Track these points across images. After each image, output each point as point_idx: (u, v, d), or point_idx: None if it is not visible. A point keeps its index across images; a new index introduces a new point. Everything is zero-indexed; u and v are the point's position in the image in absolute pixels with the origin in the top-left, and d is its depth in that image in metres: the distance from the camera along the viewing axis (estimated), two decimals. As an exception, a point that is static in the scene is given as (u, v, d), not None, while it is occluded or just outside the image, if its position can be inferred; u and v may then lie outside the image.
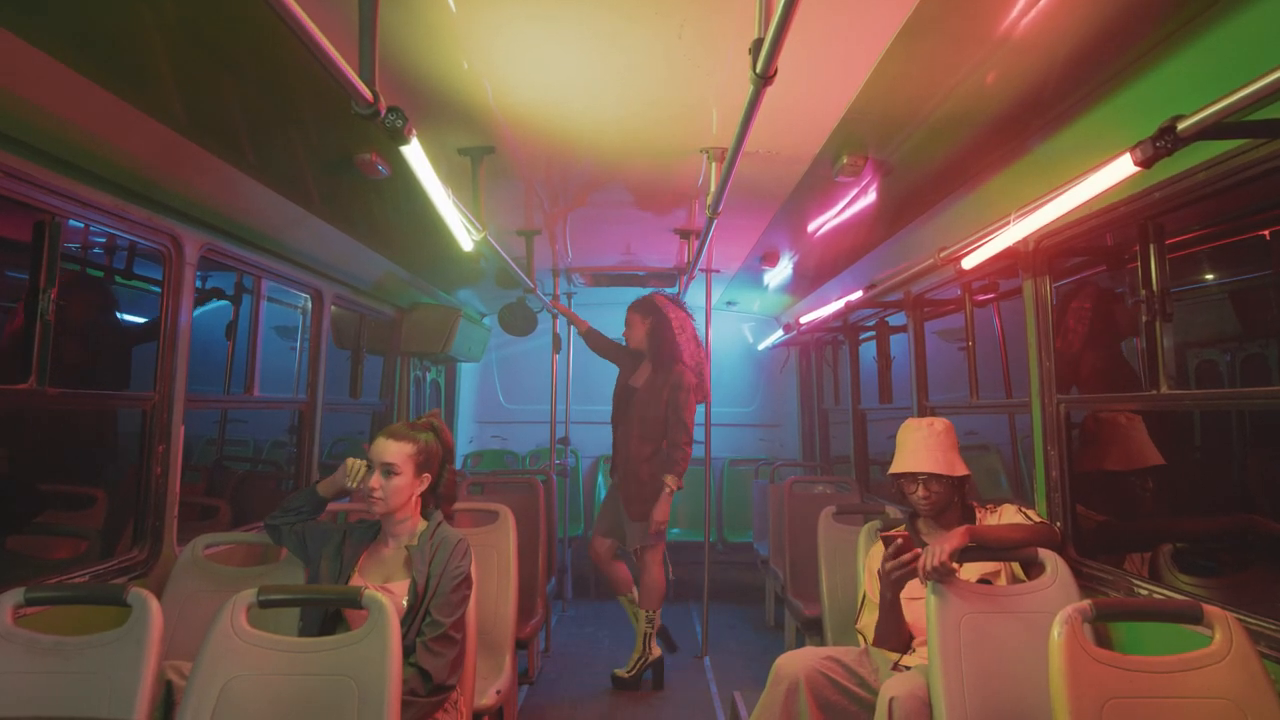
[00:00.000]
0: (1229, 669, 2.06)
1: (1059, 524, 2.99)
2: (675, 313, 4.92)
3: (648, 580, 4.85)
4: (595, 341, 5.40)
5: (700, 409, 5.59)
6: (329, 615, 2.60)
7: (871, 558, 3.13)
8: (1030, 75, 2.42)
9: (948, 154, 3.06)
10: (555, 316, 6.74)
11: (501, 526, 3.63)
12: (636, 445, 4.84)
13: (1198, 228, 2.91)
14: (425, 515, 2.76)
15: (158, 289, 3.06)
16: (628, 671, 4.80)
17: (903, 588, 2.82)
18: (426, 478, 2.70)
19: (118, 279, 3.97)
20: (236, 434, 6.61)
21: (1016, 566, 2.87)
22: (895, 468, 3.04)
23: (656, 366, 4.89)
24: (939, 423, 3.08)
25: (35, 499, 3.42)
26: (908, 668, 2.85)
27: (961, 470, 2.98)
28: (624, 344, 5.17)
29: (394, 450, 2.63)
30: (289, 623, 2.67)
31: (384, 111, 2.11)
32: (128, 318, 3.98)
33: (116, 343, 3.73)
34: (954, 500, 3.02)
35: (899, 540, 2.71)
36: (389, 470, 2.61)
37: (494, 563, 3.54)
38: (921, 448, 3.00)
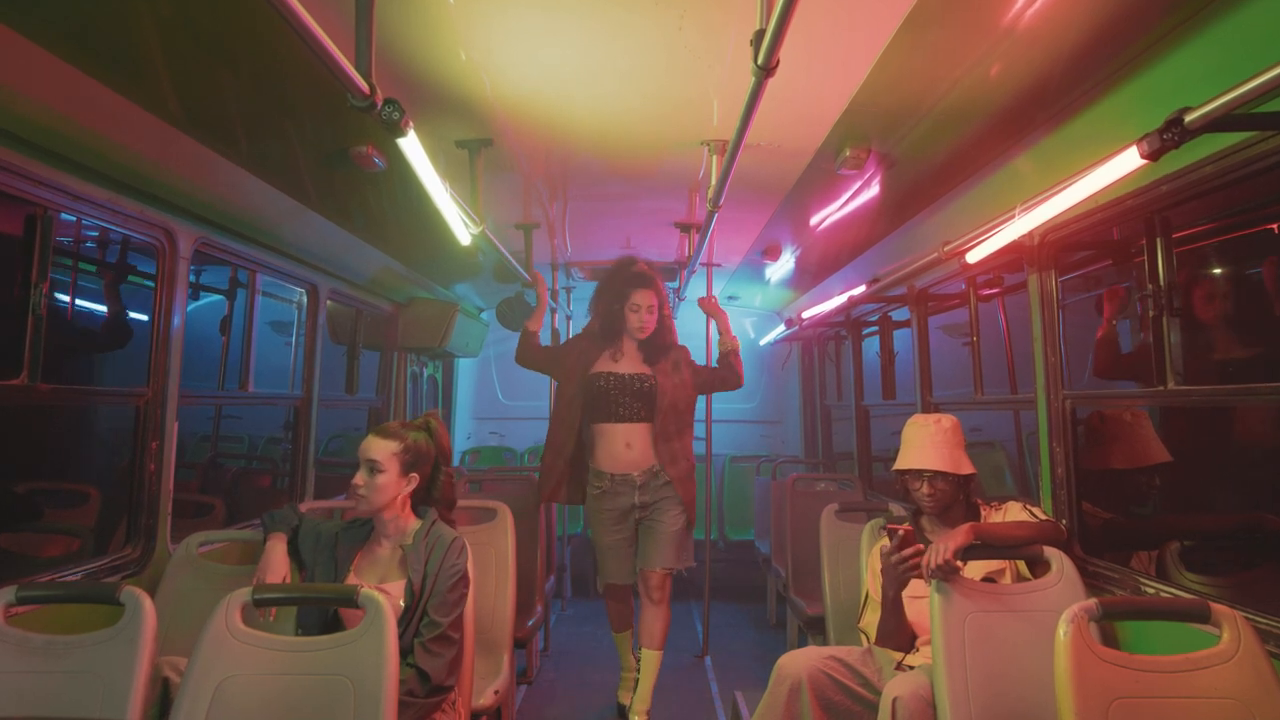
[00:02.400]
0: (1237, 668, 2.05)
1: (1065, 521, 2.97)
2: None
3: (665, 615, 4.19)
4: (528, 344, 4.43)
5: (701, 404, 5.56)
6: (329, 619, 2.58)
7: (874, 556, 3.11)
8: (1035, 67, 2.39)
9: (952, 147, 3.02)
10: (554, 310, 6.70)
11: (500, 524, 3.60)
12: (679, 444, 4.11)
13: (1205, 221, 2.87)
14: (419, 514, 2.73)
15: (151, 283, 3.03)
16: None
17: (906, 585, 2.79)
18: (415, 478, 2.67)
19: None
20: (231, 430, 6.59)
21: (1022, 564, 2.84)
22: (900, 464, 3.01)
23: (659, 351, 4.18)
24: (946, 419, 3.05)
25: (26, 496, 3.40)
26: (911, 667, 2.83)
27: (968, 469, 2.95)
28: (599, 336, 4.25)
29: (379, 448, 2.61)
30: (288, 629, 2.65)
31: (380, 104, 2.08)
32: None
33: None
34: (958, 498, 2.98)
35: (901, 532, 2.69)
36: (373, 468, 2.59)
37: (492, 561, 3.51)
38: (928, 444, 2.97)
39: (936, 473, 2.94)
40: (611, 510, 4.09)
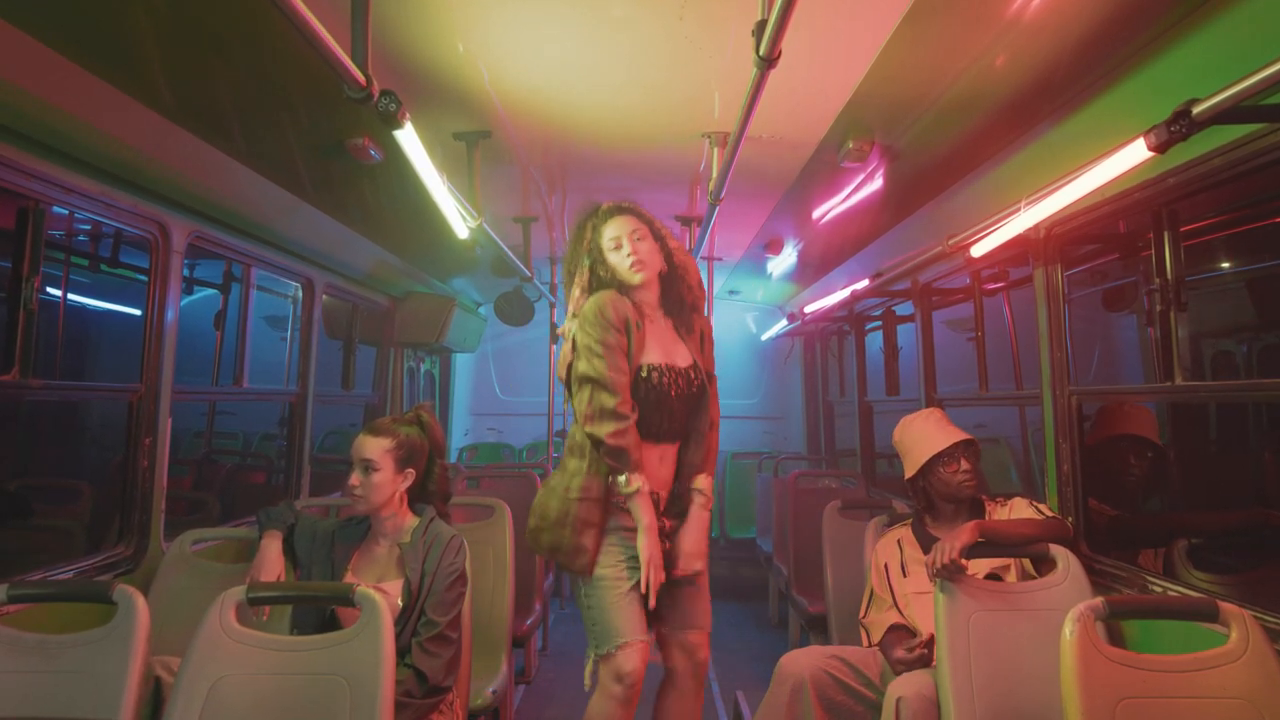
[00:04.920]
0: (1245, 668, 2.02)
1: (1071, 519, 2.94)
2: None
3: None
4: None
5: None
6: (325, 618, 2.55)
7: (878, 553, 3.09)
8: (1041, 58, 2.36)
9: (956, 139, 2.99)
10: (553, 305, 6.66)
11: (498, 521, 3.56)
12: (709, 453, 2.85)
13: (1213, 215, 2.86)
14: (416, 512, 2.70)
15: (144, 277, 3.01)
16: None
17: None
18: (411, 473, 2.64)
19: (103, 267, 3.93)
20: (225, 426, 6.58)
21: (1027, 562, 2.82)
22: (931, 449, 2.97)
23: (684, 308, 2.86)
24: (934, 410, 3.13)
25: (18, 493, 3.38)
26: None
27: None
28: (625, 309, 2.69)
29: (372, 446, 2.58)
30: (283, 629, 2.63)
31: (377, 95, 2.07)
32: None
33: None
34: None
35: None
36: (367, 467, 2.56)
37: (490, 559, 3.47)
38: (939, 429, 3.00)
39: (969, 443, 2.96)
40: (632, 535, 2.64)
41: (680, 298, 2.84)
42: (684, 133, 3.20)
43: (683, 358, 2.77)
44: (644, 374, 2.65)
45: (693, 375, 2.76)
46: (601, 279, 2.76)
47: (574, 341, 2.68)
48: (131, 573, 2.91)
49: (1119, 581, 2.71)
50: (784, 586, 5.17)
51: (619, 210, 2.78)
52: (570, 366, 2.68)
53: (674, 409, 2.71)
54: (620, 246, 2.72)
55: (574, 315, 2.74)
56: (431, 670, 2.43)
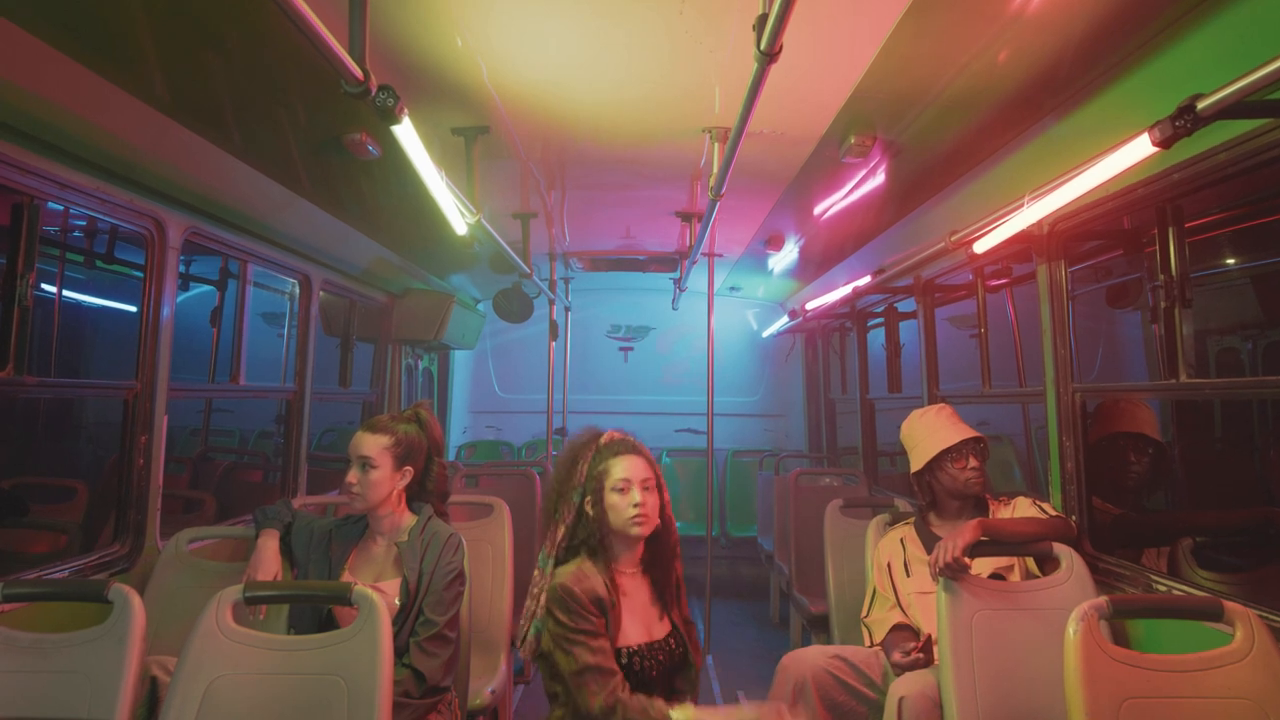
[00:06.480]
0: (1250, 668, 2.01)
1: (1074, 517, 2.93)
2: None
3: None
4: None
5: (702, 399, 5.48)
6: (322, 618, 2.54)
7: (880, 551, 3.08)
8: (1044, 52, 2.34)
9: (959, 134, 2.98)
10: (553, 301, 6.64)
11: (496, 520, 3.55)
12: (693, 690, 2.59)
13: (1218, 210, 2.84)
14: (414, 510, 2.69)
15: (140, 274, 2.99)
16: None
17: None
18: (409, 471, 2.63)
19: (98, 263, 3.91)
20: (222, 424, 6.56)
21: (1030, 561, 2.81)
22: (940, 444, 2.97)
23: (658, 571, 2.54)
24: (945, 406, 3.13)
25: (12, 491, 3.37)
26: (917, 666, 2.79)
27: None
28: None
29: (370, 444, 2.57)
30: (279, 629, 2.62)
31: (374, 90, 2.06)
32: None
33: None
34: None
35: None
36: (365, 464, 2.55)
37: (489, 557, 3.46)
38: (948, 424, 3.01)
39: (978, 440, 2.96)
40: None
41: (664, 554, 2.52)
42: (684, 128, 3.18)
43: (660, 624, 2.48)
44: (624, 660, 2.37)
45: (673, 644, 2.48)
46: (587, 518, 2.41)
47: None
48: (127, 571, 2.90)
49: (1123, 580, 2.70)
50: (785, 586, 5.16)
51: (633, 449, 2.47)
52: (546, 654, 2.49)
53: (656, 687, 2.41)
54: (628, 491, 2.40)
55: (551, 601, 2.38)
56: (430, 670, 2.42)
